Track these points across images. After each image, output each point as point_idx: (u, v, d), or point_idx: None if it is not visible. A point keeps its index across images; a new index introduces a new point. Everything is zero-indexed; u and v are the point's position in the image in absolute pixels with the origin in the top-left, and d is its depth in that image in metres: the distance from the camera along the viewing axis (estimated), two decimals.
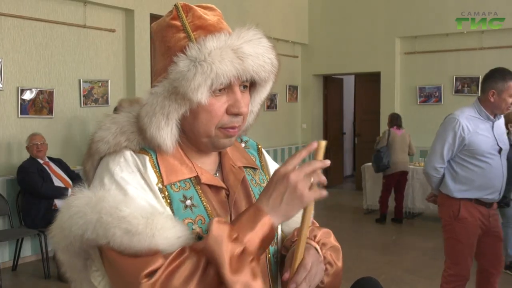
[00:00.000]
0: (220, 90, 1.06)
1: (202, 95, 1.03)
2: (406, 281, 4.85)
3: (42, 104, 5.84)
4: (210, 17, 1.11)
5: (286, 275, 1.07)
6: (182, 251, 0.97)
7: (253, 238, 0.97)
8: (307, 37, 9.98)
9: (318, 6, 9.87)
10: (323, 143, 1.05)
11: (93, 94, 6.30)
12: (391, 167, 7.09)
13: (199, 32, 1.07)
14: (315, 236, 1.16)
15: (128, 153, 1.08)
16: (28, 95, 5.70)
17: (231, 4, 7.89)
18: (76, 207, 1.00)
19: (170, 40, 1.09)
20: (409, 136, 7.25)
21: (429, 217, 7.36)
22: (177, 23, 1.09)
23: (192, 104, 1.04)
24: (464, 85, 8.37)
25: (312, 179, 1.01)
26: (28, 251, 5.51)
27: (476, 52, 8.28)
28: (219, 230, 0.95)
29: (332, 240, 1.21)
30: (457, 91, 8.46)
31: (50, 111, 5.91)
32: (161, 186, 1.06)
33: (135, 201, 1.01)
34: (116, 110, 5.30)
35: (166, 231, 0.97)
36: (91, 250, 1.04)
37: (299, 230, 1.07)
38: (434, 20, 8.49)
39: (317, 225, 1.29)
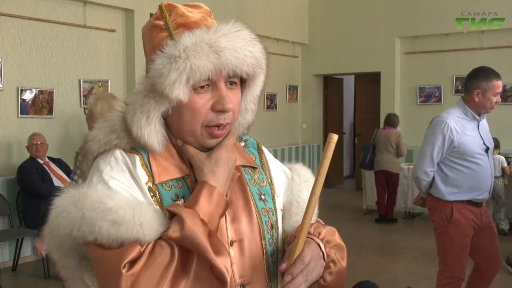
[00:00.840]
0: (203, 87, 1.04)
1: (179, 92, 1.01)
2: (406, 281, 4.85)
3: (42, 104, 5.84)
4: (195, 14, 1.09)
5: (283, 266, 1.05)
6: (160, 240, 0.97)
7: (214, 218, 1.02)
8: (307, 37, 9.98)
9: (318, 6, 9.87)
10: (335, 137, 1.04)
11: (93, 94, 6.29)
12: (374, 166, 7.29)
13: (181, 30, 1.06)
14: (319, 233, 1.13)
15: (118, 152, 1.07)
16: (28, 95, 5.70)
17: (231, 4, 7.89)
18: (61, 207, 0.99)
19: (154, 40, 1.09)
20: (397, 137, 7.18)
21: (429, 217, 7.35)
22: (161, 22, 1.09)
23: (170, 101, 1.03)
24: (464, 85, 8.36)
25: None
26: (28, 251, 5.51)
27: (476, 52, 8.28)
28: (193, 217, 0.97)
29: (337, 238, 1.17)
30: (457, 91, 8.46)
31: (50, 111, 5.91)
32: (151, 185, 1.05)
33: (120, 193, 1.00)
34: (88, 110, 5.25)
35: (155, 222, 0.98)
36: (84, 248, 1.03)
37: (301, 223, 1.06)
38: (434, 20, 8.48)
39: (322, 223, 1.26)
